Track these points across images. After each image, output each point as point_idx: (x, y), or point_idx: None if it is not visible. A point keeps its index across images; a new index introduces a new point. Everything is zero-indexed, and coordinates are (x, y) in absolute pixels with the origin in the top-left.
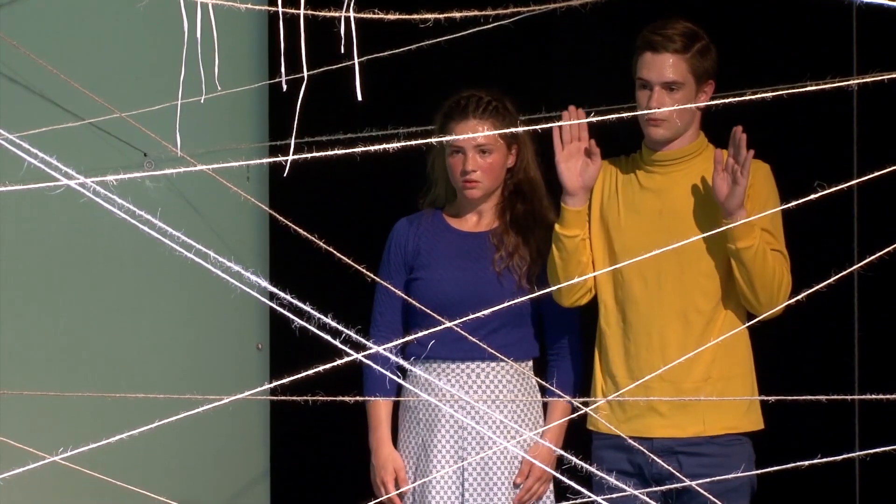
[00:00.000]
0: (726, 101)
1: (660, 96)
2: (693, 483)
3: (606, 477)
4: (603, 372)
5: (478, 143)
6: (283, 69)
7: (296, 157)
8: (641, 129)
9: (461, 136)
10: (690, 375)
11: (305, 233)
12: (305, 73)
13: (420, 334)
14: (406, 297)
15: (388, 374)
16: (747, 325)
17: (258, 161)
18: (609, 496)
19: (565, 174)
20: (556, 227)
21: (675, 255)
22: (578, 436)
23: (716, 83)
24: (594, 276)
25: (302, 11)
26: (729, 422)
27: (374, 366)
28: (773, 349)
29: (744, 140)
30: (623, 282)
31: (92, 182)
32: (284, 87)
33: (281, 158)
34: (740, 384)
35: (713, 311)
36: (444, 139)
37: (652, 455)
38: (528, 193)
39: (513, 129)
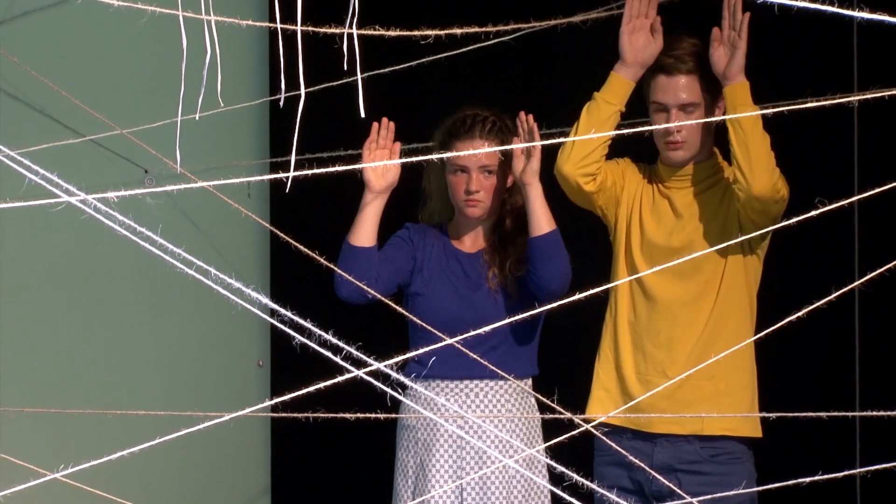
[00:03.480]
0: (726, 117)
1: (678, 118)
2: (693, 500)
3: (607, 494)
4: (607, 364)
5: (482, 164)
6: (282, 85)
7: (297, 173)
8: (658, 150)
9: (465, 153)
10: (693, 374)
11: (306, 249)
12: (303, 91)
13: (419, 351)
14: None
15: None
16: (753, 338)
17: (259, 178)
18: None
19: (626, 45)
20: (596, 92)
21: (690, 255)
22: (579, 453)
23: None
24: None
25: (299, 28)
26: (727, 423)
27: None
28: (774, 364)
29: (739, 4)
30: (636, 273)
31: (93, 199)
32: (282, 103)
33: (282, 175)
34: (741, 386)
35: (721, 312)
36: (447, 155)
37: (653, 472)
38: (520, 212)
39: (516, 146)
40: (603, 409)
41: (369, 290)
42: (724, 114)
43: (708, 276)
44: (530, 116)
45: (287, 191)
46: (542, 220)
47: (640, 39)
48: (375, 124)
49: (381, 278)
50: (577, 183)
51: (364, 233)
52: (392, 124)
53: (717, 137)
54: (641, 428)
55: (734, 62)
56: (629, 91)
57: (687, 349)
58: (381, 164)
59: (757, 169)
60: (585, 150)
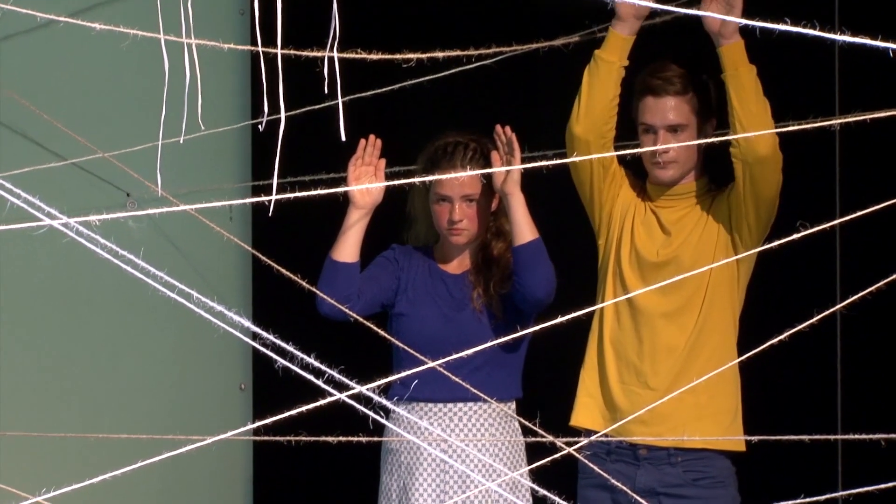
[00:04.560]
0: (708, 140)
1: (665, 140)
2: None
3: None
4: (592, 371)
5: (464, 193)
6: (265, 108)
7: (279, 196)
8: (647, 171)
9: (447, 175)
10: (675, 385)
11: (288, 273)
12: (283, 115)
13: (402, 374)
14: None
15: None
16: (736, 360)
17: (241, 201)
18: None
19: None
20: (596, 51)
21: (676, 269)
22: (563, 475)
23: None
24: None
25: (279, 51)
26: (709, 434)
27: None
28: (756, 388)
29: None
30: (624, 283)
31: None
32: (262, 127)
33: (264, 199)
34: (724, 398)
35: (704, 325)
36: (428, 178)
37: (635, 495)
38: (508, 234)
39: (500, 168)
40: (588, 415)
41: (348, 311)
42: (713, 134)
43: (692, 290)
44: (507, 128)
45: (270, 214)
46: (524, 229)
47: None
48: (363, 141)
49: (364, 295)
50: (590, 143)
51: (347, 248)
52: (379, 141)
53: (709, 158)
54: (623, 436)
55: (729, 21)
56: (627, 46)
57: (669, 361)
58: (362, 187)
59: (760, 127)
60: (593, 109)
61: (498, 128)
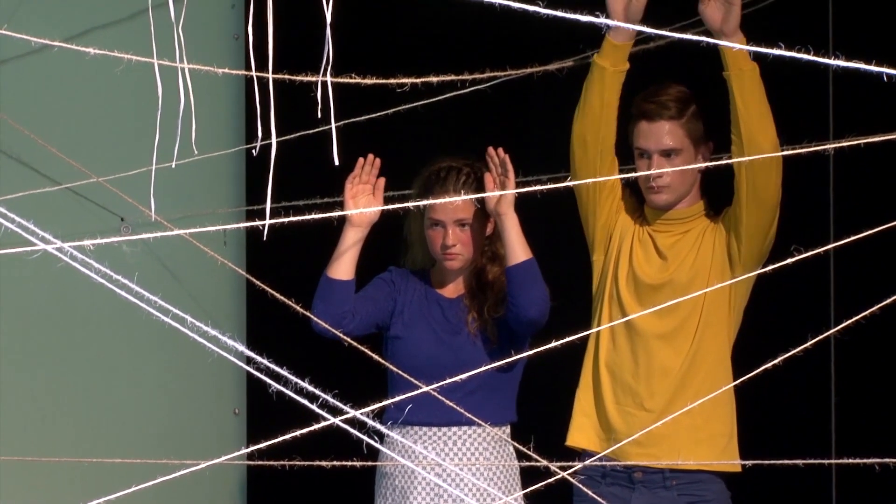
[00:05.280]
0: (701, 165)
1: (659, 164)
2: None
3: None
4: (587, 391)
5: (457, 217)
6: (259, 133)
7: (272, 221)
8: (643, 195)
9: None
10: (671, 407)
11: (282, 297)
12: (274, 139)
13: (396, 399)
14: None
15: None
16: (736, 382)
17: (235, 225)
18: None
19: (611, 6)
20: (594, 56)
21: (671, 291)
22: (557, 500)
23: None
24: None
25: (271, 76)
26: (704, 456)
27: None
28: (751, 411)
29: None
30: (620, 304)
31: (69, 246)
32: (256, 152)
33: (258, 223)
34: (719, 422)
35: (700, 347)
36: (422, 202)
37: None
38: (503, 258)
39: (494, 193)
40: (584, 436)
41: (340, 335)
42: (708, 160)
43: (687, 312)
44: (500, 149)
45: (264, 239)
46: (517, 250)
47: (619, 2)
48: (361, 159)
49: (359, 314)
50: (587, 143)
51: (342, 266)
52: (378, 160)
53: (707, 183)
54: (618, 458)
55: (731, 18)
56: (622, 51)
57: (665, 383)
58: (356, 211)
59: (763, 121)
60: (588, 111)
61: (490, 150)
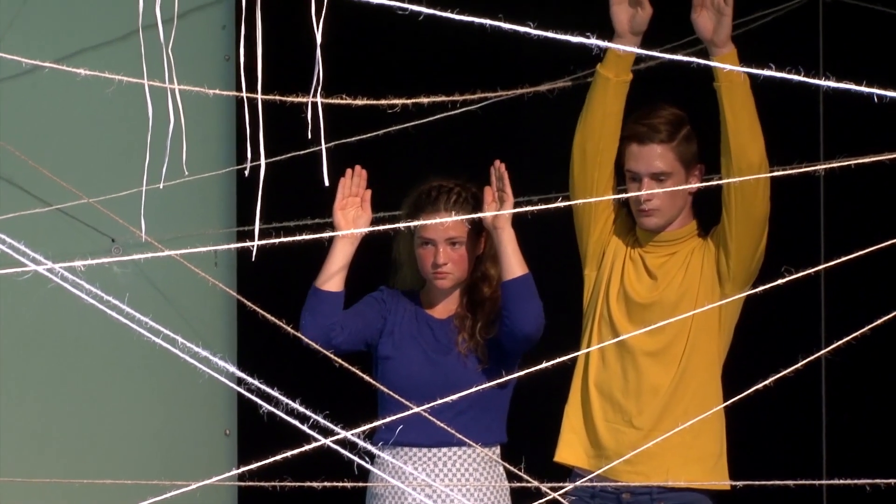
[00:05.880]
0: (691, 186)
1: (650, 187)
2: None
3: None
4: (576, 407)
5: (448, 236)
6: (248, 154)
7: (262, 242)
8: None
9: (431, 222)
10: (660, 424)
11: (273, 318)
12: (263, 161)
13: (387, 420)
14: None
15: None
16: (726, 403)
17: (225, 246)
18: None
19: (616, 17)
20: (598, 66)
21: (661, 310)
22: None
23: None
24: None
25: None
26: (694, 474)
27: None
28: (742, 431)
29: None
30: (611, 322)
31: (60, 267)
32: (247, 173)
33: (248, 244)
34: (708, 440)
35: (689, 364)
36: (412, 224)
37: None
38: (494, 278)
39: (483, 214)
40: (572, 452)
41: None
42: (699, 181)
43: (675, 330)
44: (503, 165)
45: (253, 259)
46: (514, 264)
47: (624, 13)
48: (349, 171)
49: (348, 328)
50: (586, 152)
51: (331, 277)
52: (364, 172)
53: (698, 205)
54: (606, 475)
55: (722, 28)
56: (625, 62)
57: (654, 400)
58: (347, 232)
59: (753, 132)
60: (589, 121)
61: (497, 162)
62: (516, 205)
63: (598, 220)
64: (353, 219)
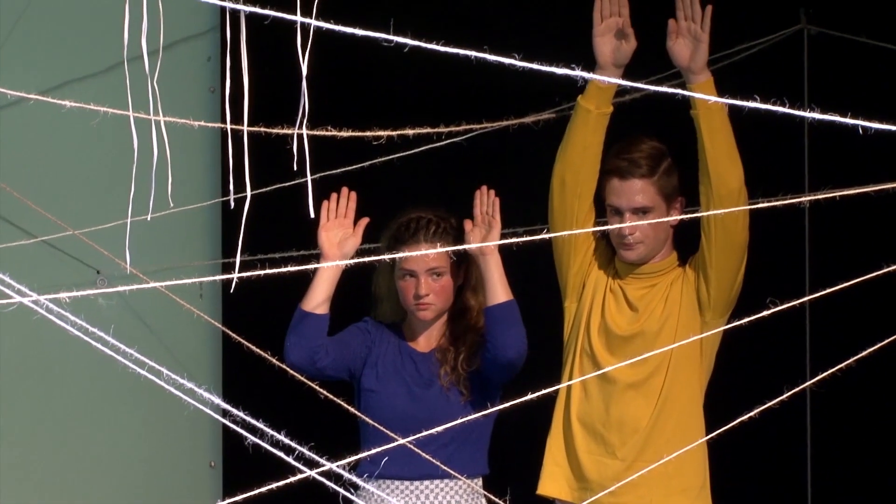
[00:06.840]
0: (676, 217)
1: (631, 221)
2: None
3: None
4: (558, 439)
5: (430, 267)
6: (231, 187)
7: (244, 274)
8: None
9: (417, 253)
10: (642, 455)
11: (258, 350)
12: (248, 192)
13: (371, 452)
14: (355, 407)
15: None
16: (705, 438)
17: (210, 278)
18: None
19: (598, 48)
20: (579, 97)
21: (642, 342)
22: None
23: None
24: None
25: (245, 128)
26: (677, 502)
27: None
28: (726, 464)
29: None
30: (592, 354)
31: (45, 299)
32: (233, 205)
33: (231, 276)
34: (691, 471)
35: (669, 395)
36: (397, 256)
37: None
38: (475, 308)
39: (465, 246)
40: (555, 484)
41: (316, 386)
42: (680, 213)
43: (656, 362)
44: (492, 192)
45: (231, 291)
46: (498, 290)
47: (610, 41)
48: (334, 194)
49: (332, 354)
50: (565, 182)
51: (316, 300)
52: (353, 194)
53: (678, 239)
54: None
55: (698, 56)
56: (606, 94)
57: (636, 432)
58: (332, 264)
59: (731, 159)
60: (569, 153)
61: (484, 188)
62: (501, 237)
63: (579, 251)
64: (338, 241)
